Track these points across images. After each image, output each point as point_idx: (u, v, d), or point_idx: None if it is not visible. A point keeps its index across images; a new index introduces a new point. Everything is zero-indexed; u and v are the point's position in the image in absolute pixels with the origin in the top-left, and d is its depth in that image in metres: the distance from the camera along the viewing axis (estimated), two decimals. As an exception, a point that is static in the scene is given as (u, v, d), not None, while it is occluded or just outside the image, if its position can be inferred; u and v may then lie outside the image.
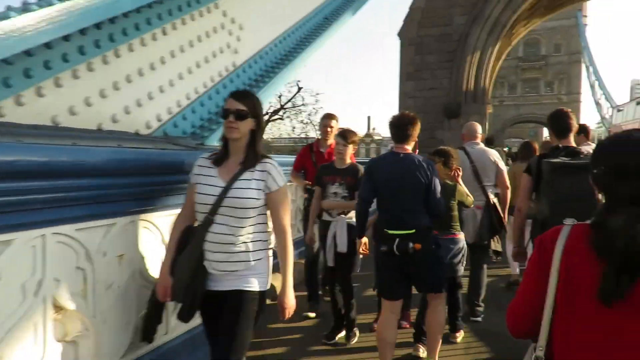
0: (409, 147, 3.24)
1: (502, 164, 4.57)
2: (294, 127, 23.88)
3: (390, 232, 3.08)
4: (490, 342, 3.95)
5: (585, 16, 52.11)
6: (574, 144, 3.31)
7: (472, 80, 18.98)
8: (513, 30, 21.69)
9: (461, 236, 3.75)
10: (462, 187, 3.91)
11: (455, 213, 3.75)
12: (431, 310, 3.33)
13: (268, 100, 7.83)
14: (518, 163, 5.59)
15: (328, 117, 4.67)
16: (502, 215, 4.25)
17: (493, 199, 4.26)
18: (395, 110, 20.01)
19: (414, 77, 19.38)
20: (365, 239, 3.45)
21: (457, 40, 18.80)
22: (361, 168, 3.79)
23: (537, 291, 1.30)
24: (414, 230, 3.04)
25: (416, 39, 19.29)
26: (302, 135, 24.26)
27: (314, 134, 24.45)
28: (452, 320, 3.97)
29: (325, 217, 4.05)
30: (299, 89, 22.82)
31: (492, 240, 4.37)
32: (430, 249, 3.11)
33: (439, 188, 3.13)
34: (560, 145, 3.26)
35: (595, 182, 1.37)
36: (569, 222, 1.35)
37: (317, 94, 22.55)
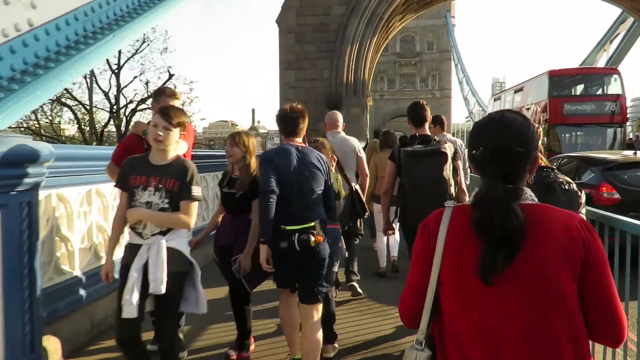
0: (300, 140, 3.14)
1: (362, 153, 4.71)
2: None
3: (288, 227, 2.93)
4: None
5: (454, 17, 56.77)
6: (428, 133, 3.71)
7: (352, 72, 19.24)
8: (390, 24, 22.48)
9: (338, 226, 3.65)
10: (339, 177, 3.93)
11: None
12: (308, 328, 3.05)
13: (82, 73, 6.21)
14: (379, 153, 5.73)
15: (161, 94, 3.55)
16: (363, 200, 4.30)
17: (355, 186, 4.31)
18: (277, 102, 19.54)
19: (294, 66, 19.06)
20: (266, 250, 2.94)
21: (336, 31, 18.86)
22: (193, 167, 2.70)
23: (425, 278, 1.33)
24: (312, 224, 2.98)
25: (295, 27, 18.97)
26: None
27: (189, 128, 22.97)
28: (328, 329, 3.51)
29: (133, 237, 2.69)
30: (170, 76, 21.24)
31: (357, 223, 4.45)
32: (328, 242, 3.08)
33: (331, 181, 3.19)
34: (416, 134, 3.68)
35: (472, 162, 1.37)
36: (449, 204, 1.37)
37: (192, 82, 20.63)
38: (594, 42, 30.81)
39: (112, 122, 20.74)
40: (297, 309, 3.17)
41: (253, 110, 76.45)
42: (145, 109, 21.02)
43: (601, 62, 29.66)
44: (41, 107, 20.25)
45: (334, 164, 3.85)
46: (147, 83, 20.88)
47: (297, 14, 18.93)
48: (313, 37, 18.92)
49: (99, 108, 20.55)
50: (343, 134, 4.76)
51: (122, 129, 19.87)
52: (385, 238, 5.56)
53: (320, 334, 3.08)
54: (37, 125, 20.68)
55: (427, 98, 59.98)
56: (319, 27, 18.95)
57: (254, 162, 3.41)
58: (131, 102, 20.92)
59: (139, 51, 21.12)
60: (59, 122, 21.45)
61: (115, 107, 20.39)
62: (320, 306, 3.12)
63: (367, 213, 4.34)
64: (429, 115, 3.84)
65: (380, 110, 59.00)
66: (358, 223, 4.43)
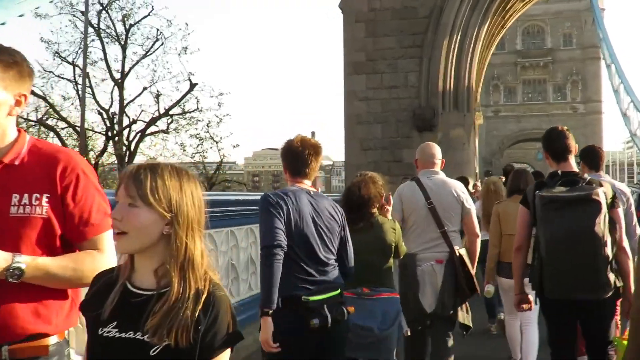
0: (309, 183, 3.43)
1: (469, 202, 4.77)
2: (183, 146, 21.75)
3: (313, 298, 3.14)
4: None
5: (602, -3, 54.46)
6: (574, 169, 3.87)
7: (451, 77, 18.16)
8: (507, 7, 21.37)
9: (397, 296, 3.98)
10: (397, 225, 4.20)
11: (391, 263, 4.01)
12: None
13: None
14: (505, 201, 5.69)
15: None
16: (471, 273, 4.54)
17: (459, 251, 4.50)
18: (342, 121, 18.79)
19: (365, 69, 18.31)
20: (269, 325, 3.09)
21: (427, 17, 18.02)
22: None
23: None
24: (338, 291, 3.29)
25: (367, 13, 18.34)
26: (197, 158, 21.93)
27: (215, 155, 22.38)
28: None
29: None
30: (192, 85, 20.99)
31: (459, 309, 4.63)
32: (376, 318, 3.63)
33: (348, 236, 3.45)
34: (558, 172, 3.80)
35: None
36: None
37: (221, 94, 20.22)
38: None
39: (111, 149, 20.87)
40: None
41: (313, 134, 76.92)
42: (157, 132, 20.92)
43: None
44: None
45: (388, 208, 4.21)
46: (157, 96, 20.85)
47: (369, -6, 18.34)
48: (392, 28, 18.16)
49: (94, 131, 20.77)
50: (442, 174, 4.83)
51: (126, 157, 19.81)
52: (517, 323, 5.48)
53: None
54: None
55: (566, 115, 57.36)
56: (401, 12, 18.18)
57: None
58: (134, 122, 20.93)
59: (149, 53, 21.38)
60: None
61: (115, 128, 20.52)
62: None
63: (477, 293, 4.59)
64: (574, 145, 3.96)
65: (494, 132, 57.23)
66: (464, 308, 4.57)
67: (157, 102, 20.93)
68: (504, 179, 7.30)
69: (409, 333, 4.06)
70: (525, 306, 4.11)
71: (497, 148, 56.42)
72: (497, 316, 6.94)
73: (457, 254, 4.40)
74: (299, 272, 3.16)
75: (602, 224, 3.50)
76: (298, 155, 3.37)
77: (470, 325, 4.70)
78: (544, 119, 57.25)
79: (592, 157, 5.18)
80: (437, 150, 4.89)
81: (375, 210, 3.96)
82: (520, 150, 59.70)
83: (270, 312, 3.03)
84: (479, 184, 11.25)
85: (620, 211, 4.03)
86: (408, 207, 4.60)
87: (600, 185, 3.71)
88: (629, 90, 51.35)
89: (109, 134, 20.61)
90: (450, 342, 4.59)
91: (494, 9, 18.73)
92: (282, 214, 3.13)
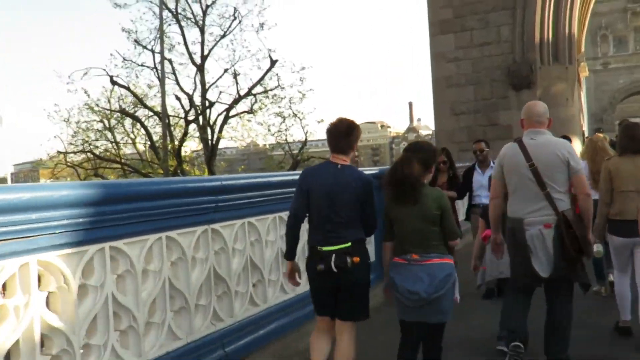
0: (347, 158, 4.10)
1: (577, 162, 4.53)
2: (268, 125, 20.96)
3: (325, 249, 3.93)
4: None
5: None
6: None
7: (549, 26, 16.32)
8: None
9: (450, 262, 4.02)
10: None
11: (437, 228, 4.04)
12: (340, 343, 4.07)
13: None
14: (617, 157, 5.44)
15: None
16: (584, 233, 4.35)
17: (563, 212, 4.31)
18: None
19: (452, 27, 16.84)
20: (295, 264, 4.25)
21: (519, -38, 16.19)
22: None
23: None
24: (349, 244, 3.91)
25: (452, -36, 16.78)
26: (282, 138, 20.98)
27: (300, 133, 21.44)
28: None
29: None
30: (273, 62, 20.18)
31: (574, 270, 4.45)
32: (367, 262, 4.04)
33: (374, 205, 4.11)
34: None
35: None
36: None
37: (303, 68, 19.32)
38: None
39: (193, 134, 20.53)
40: (328, 341, 4.18)
41: (410, 105, 75.18)
42: (242, 113, 20.30)
43: None
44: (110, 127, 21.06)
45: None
46: (235, 75, 20.18)
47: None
48: (482, -23, 16.53)
49: (177, 117, 20.45)
50: (548, 134, 4.64)
51: (211, 141, 19.38)
52: (628, 282, 5.32)
53: (352, 351, 4.05)
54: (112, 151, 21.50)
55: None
56: (490, -41, 16.48)
57: None
58: (212, 104, 20.39)
59: (227, 33, 20.80)
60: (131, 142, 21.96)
61: (199, 113, 20.14)
62: (354, 325, 4.11)
63: (590, 254, 4.49)
64: None
65: (604, 86, 53.31)
66: (579, 268, 4.45)
67: (236, 83, 20.44)
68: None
69: (458, 301, 4.08)
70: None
71: (608, 103, 52.32)
72: (606, 278, 6.67)
73: (562, 216, 4.28)
74: (316, 228, 4.02)
75: None
76: (333, 135, 4.09)
77: (589, 281, 4.62)
78: (660, 68, 52.75)
79: None
80: (543, 109, 4.69)
81: (419, 184, 4.03)
82: (636, 103, 55.14)
83: (290, 260, 4.18)
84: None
85: None
86: (509, 170, 4.49)
87: None
88: None
89: (188, 118, 20.37)
90: (569, 308, 4.50)
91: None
92: (303, 188, 4.07)
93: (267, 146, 21.73)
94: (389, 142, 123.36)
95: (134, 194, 3.86)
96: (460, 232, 4.21)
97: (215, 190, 4.55)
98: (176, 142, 19.24)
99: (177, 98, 20.19)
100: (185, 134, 19.95)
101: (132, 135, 22.31)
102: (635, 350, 4.95)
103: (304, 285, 4.72)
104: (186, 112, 20.47)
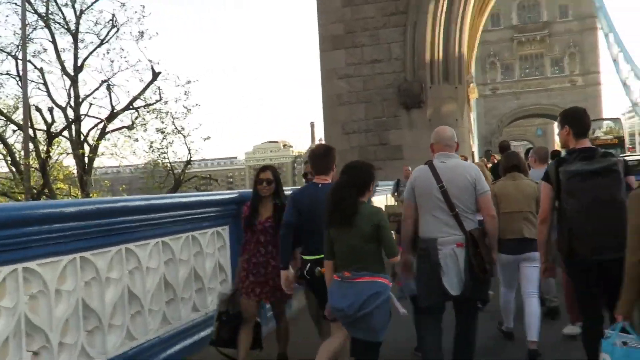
0: (327, 177, 4.61)
1: (484, 184, 4.68)
2: (151, 143, 19.01)
3: (305, 257, 4.50)
4: None
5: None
6: (590, 145, 4.25)
7: (439, 46, 15.89)
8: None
9: (382, 280, 4.02)
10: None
11: (374, 245, 4.04)
12: (328, 340, 4.34)
13: None
14: (502, 180, 5.91)
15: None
16: (489, 254, 4.54)
17: (470, 232, 4.47)
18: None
19: (343, 43, 16.03)
20: (289, 272, 4.57)
21: (409, -20, 15.69)
22: None
23: None
24: (322, 255, 4.21)
25: (342, -20, 16.01)
26: (164, 156, 19.17)
27: (182, 150, 19.67)
28: None
29: None
30: (155, 74, 18.38)
31: (480, 289, 4.60)
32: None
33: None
34: (576, 148, 4.18)
35: None
36: None
37: (189, 82, 17.69)
38: None
39: (67, 150, 18.28)
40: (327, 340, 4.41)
41: (312, 124, 74.71)
42: (122, 128, 18.28)
43: None
44: None
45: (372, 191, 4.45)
46: (109, 87, 18.12)
47: (344, -42, 16.02)
48: (372, -6, 15.87)
49: (34, 129, 18.03)
50: (457, 158, 4.81)
51: (84, 158, 17.31)
52: (513, 296, 5.82)
53: (333, 346, 4.22)
54: None
55: (564, 89, 55.48)
56: (380, -23, 15.87)
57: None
58: (77, 119, 18.25)
59: (104, 41, 18.87)
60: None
61: (64, 127, 18.02)
62: (330, 326, 4.36)
63: (495, 274, 4.69)
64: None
65: (493, 111, 55.51)
66: (483, 287, 4.59)
67: (110, 96, 18.52)
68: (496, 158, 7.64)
69: (407, 315, 4.23)
70: (548, 274, 4.55)
71: (496, 127, 54.56)
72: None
73: (469, 235, 4.43)
74: (308, 241, 4.54)
75: (622, 191, 3.90)
76: (312, 158, 4.80)
77: (488, 298, 4.87)
78: (543, 94, 55.68)
79: (580, 123, 4.72)
80: (451, 133, 4.85)
81: (351, 209, 3.99)
82: (520, 127, 57.88)
83: (283, 268, 4.56)
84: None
85: (631, 178, 4.73)
86: (420, 192, 4.55)
87: (613, 156, 4.18)
88: (628, 58, 49.13)
89: (51, 132, 18.21)
90: (475, 323, 4.69)
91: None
92: (294, 204, 4.57)
93: (150, 165, 19.67)
94: (292, 161, 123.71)
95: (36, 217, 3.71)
96: (397, 249, 4.20)
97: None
98: (48, 161, 17.10)
99: (38, 109, 17.96)
100: (48, 150, 17.75)
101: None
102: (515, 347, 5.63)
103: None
104: (48, 125, 18.28)
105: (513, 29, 57.11)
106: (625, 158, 6.28)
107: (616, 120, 43.82)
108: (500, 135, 50.50)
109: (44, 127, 18.82)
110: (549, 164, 4.44)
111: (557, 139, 50.73)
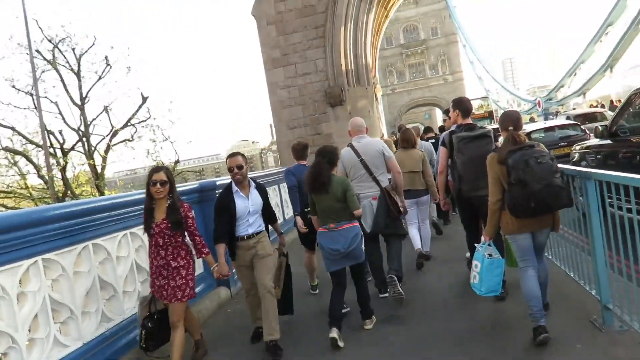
0: (305, 161, 4.90)
1: (388, 152, 4.67)
2: (147, 150, 18.00)
3: (306, 210, 4.41)
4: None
5: (453, -2, 51.77)
6: (471, 122, 4.34)
7: (351, 58, 15.02)
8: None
9: (356, 224, 3.94)
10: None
11: (343, 204, 3.94)
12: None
13: None
14: (399, 151, 5.85)
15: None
16: (396, 200, 4.49)
17: (385, 187, 4.47)
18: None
19: (281, 62, 14.95)
20: (299, 219, 4.75)
21: (324, 12, 14.66)
22: None
23: None
24: (308, 208, 4.18)
25: (275, 16, 14.85)
26: (157, 159, 18.19)
27: (171, 154, 18.63)
28: (364, 308, 4.09)
29: None
30: (144, 98, 17.21)
31: (395, 225, 4.61)
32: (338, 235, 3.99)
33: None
34: (463, 123, 4.28)
35: None
36: None
37: (171, 101, 16.88)
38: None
39: (62, 161, 16.81)
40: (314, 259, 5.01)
41: (271, 126, 72.93)
42: (124, 141, 16.96)
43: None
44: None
45: (337, 168, 4.27)
46: (107, 111, 16.77)
47: (274, -1, 14.88)
48: (298, 25, 14.85)
49: (57, 148, 16.60)
50: (368, 137, 4.73)
51: (95, 167, 15.97)
52: (415, 228, 5.79)
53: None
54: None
55: (440, 85, 55.54)
56: (303, 11, 14.84)
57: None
58: (85, 136, 16.85)
59: (102, 77, 17.40)
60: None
61: (74, 145, 16.65)
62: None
63: (405, 213, 4.64)
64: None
65: (394, 104, 55.19)
66: (398, 223, 4.60)
67: (109, 117, 17.17)
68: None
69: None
70: (447, 207, 4.84)
71: (397, 114, 54.41)
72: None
73: (384, 190, 4.45)
74: (304, 199, 4.52)
75: (492, 150, 3.73)
76: (298, 150, 4.97)
77: (405, 232, 4.88)
78: (426, 90, 55.65)
79: (465, 107, 4.75)
80: (361, 121, 4.84)
81: (328, 179, 3.87)
82: (413, 114, 57.86)
83: (298, 215, 4.74)
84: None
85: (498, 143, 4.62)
86: (348, 165, 4.49)
87: (485, 128, 4.22)
88: (480, 60, 49.33)
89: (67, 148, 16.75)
90: (398, 245, 4.65)
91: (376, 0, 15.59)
92: (292, 175, 4.78)
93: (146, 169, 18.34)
94: (259, 153, 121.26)
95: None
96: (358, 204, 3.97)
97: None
98: (65, 171, 15.64)
99: (50, 132, 16.39)
100: (65, 162, 16.24)
101: (24, 170, 17.80)
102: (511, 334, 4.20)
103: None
104: (61, 144, 16.73)
105: (401, 47, 56.67)
106: (494, 128, 6.08)
107: (485, 98, 44.12)
108: (400, 120, 50.29)
109: (57, 146, 17.17)
110: (445, 133, 4.42)
111: (439, 119, 51.32)
